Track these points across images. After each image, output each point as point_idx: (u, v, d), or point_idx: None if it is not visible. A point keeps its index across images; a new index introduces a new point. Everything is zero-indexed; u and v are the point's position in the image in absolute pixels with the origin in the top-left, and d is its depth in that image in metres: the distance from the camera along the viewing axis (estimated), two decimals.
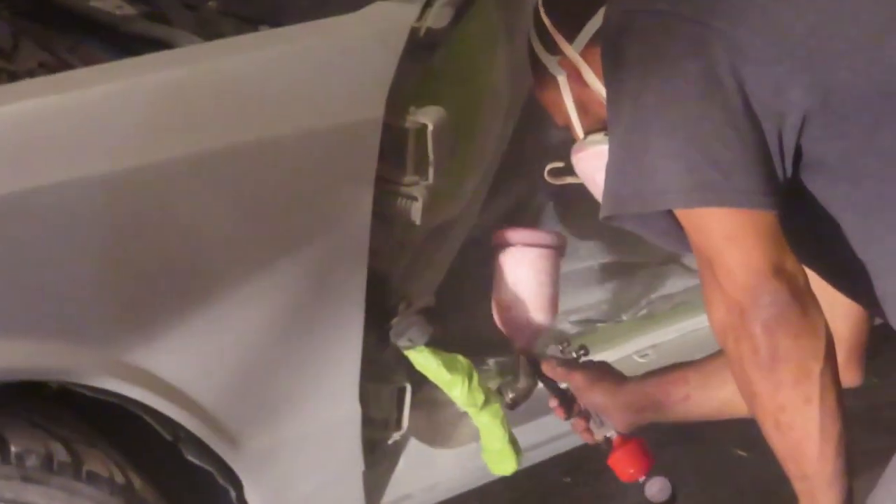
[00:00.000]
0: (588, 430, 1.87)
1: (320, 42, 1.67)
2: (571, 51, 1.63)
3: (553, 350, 1.91)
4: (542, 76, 1.70)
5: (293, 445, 1.80)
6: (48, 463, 1.56)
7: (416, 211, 1.74)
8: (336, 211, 1.69)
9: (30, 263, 1.45)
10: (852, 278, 1.48)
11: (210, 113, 1.56)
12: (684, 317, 2.44)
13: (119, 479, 1.63)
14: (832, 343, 1.38)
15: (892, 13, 1.41)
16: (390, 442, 1.99)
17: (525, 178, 2.27)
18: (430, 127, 1.70)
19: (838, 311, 1.60)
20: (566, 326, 2.46)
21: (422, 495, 2.10)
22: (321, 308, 1.73)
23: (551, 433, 2.16)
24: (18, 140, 1.44)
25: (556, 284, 1.92)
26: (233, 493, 1.78)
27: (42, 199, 1.43)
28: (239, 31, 1.82)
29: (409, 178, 1.74)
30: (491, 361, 2.25)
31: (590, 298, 2.49)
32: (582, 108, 1.66)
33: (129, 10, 2.03)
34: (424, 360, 1.86)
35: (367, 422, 1.88)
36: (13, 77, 1.82)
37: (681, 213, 1.41)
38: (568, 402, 1.88)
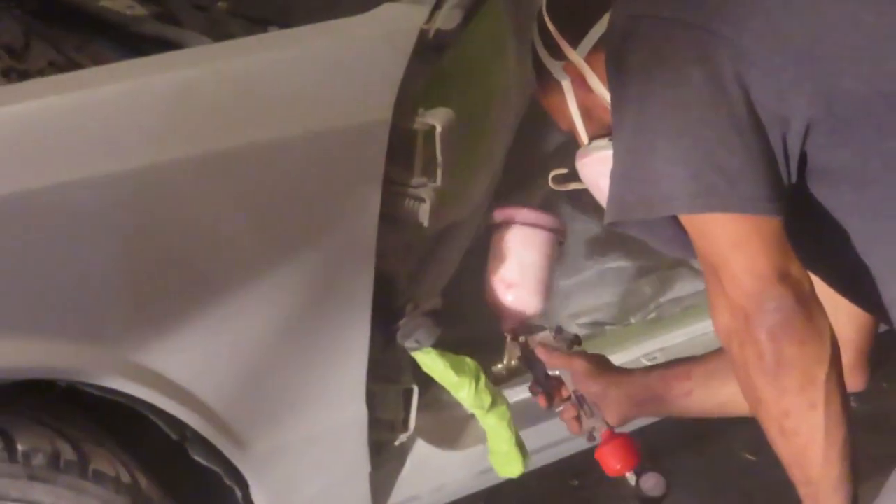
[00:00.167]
0: (577, 418, 1.85)
1: (329, 43, 1.67)
2: (576, 56, 1.63)
3: (546, 336, 1.90)
4: (545, 81, 1.70)
5: (299, 446, 1.80)
6: (55, 461, 1.56)
7: (423, 212, 1.74)
8: (344, 212, 1.69)
9: (38, 263, 1.46)
10: (857, 284, 1.47)
11: (218, 113, 1.56)
12: (693, 320, 2.44)
13: (125, 478, 1.63)
14: (837, 348, 1.37)
15: (895, 20, 1.41)
16: (397, 443, 1.99)
17: (532, 180, 2.27)
18: (439, 128, 1.70)
19: (843, 315, 1.60)
20: (575, 329, 2.46)
21: (428, 497, 2.09)
22: (328, 309, 1.73)
23: (559, 436, 2.16)
24: (29, 139, 1.44)
25: (552, 272, 1.92)
26: (239, 494, 1.78)
27: (49, 199, 1.43)
28: (248, 32, 1.82)
29: (417, 180, 1.74)
30: (499, 365, 2.25)
31: (598, 301, 2.49)
32: (586, 113, 1.66)
33: (140, 11, 2.03)
34: (431, 362, 1.86)
35: (374, 423, 1.88)
36: (24, 76, 1.83)
37: (686, 219, 1.41)
38: (552, 389, 1.87)
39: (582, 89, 1.65)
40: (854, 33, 1.40)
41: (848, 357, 1.58)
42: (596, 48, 1.60)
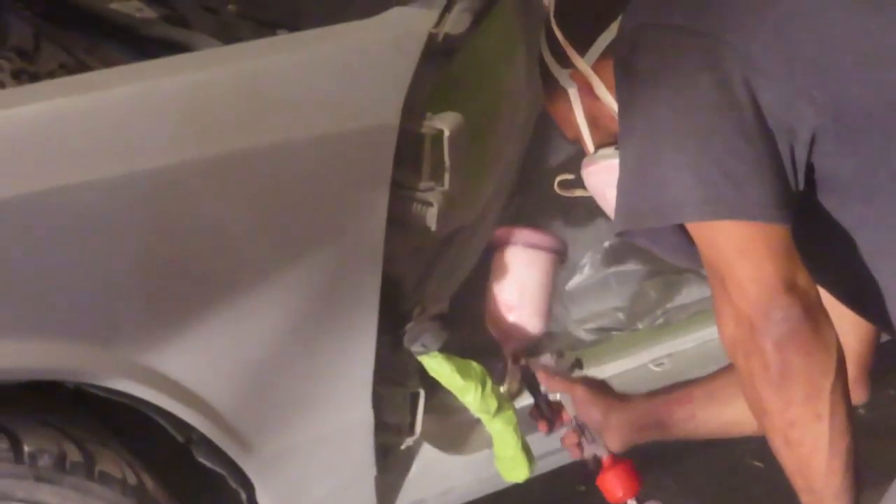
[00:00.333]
0: (578, 445, 1.85)
1: (338, 47, 1.67)
2: (583, 64, 1.62)
3: (547, 360, 1.89)
4: (552, 89, 1.70)
5: (305, 449, 1.80)
6: (61, 463, 1.56)
7: (431, 217, 1.74)
8: (351, 215, 1.69)
9: (45, 264, 1.46)
10: (863, 295, 1.46)
11: (227, 116, 1.56)
12: (701, 326, 2.44)
13: (131, 479, 1.64)
14: (843, 359, 1.36)
15: None
16: (403, 447, 1.99)
17: (540, 185, 2.27)
18: (447, 133, 1.70)
19: (846, 327, 1.59)
20: (581, 334, 2.47)
21: (434, 501, 2.09)
22: (335, 312, 1.73)
23: None
24: (38, 141, 1.44)
25: (552, 294, 1.91)
26: (244, 496, 1.78)
27: (56, 201, 1.43)
28: (257, 35, 1.82)
29: (424, 184, 1.73)
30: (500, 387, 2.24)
31: (605, 306, 2.49)
32: (593, 121, 1.66)
33: (149, 13, 2.03)
34: (438, 366, 1.86)
35: (381, 426, 1.88)
36: (34, 78, 1.84)
37: (693, 227, 1.40)
38: (553, 414, 1.87)
39: (589, 97, 1.64)
40: (862, 42, 1.40)
41: (850, 370, 1.58)
42: (603, 56, 1.60)
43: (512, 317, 1.89)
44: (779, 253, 1.35)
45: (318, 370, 1.76)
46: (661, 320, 2.51)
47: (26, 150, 1.43)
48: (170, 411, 1.63)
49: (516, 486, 2.05)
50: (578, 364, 1.88)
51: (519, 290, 1.87)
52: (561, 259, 1.91)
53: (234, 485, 1.76)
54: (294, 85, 1.62)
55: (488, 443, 1.99)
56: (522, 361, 1.90)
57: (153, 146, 1.50)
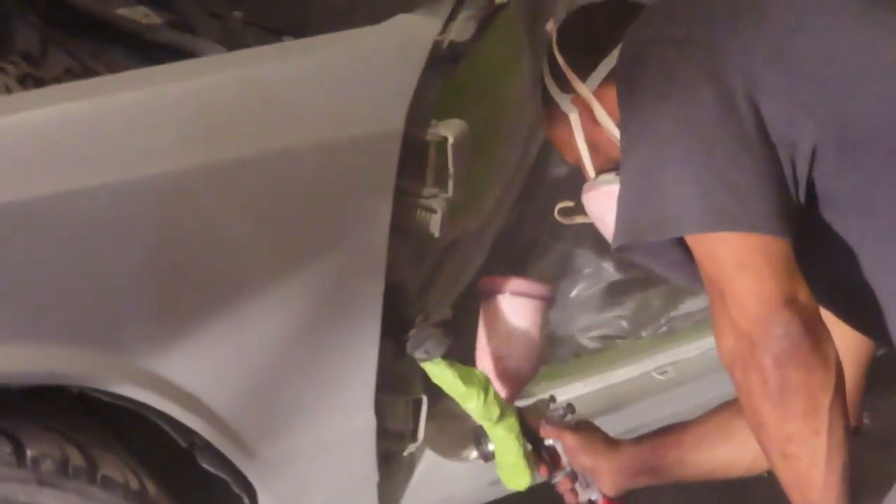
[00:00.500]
0: (573, 490, 1.85)
1: (343, 53, 1.67)
2: (584, 89, 1.63)
3: (540, 404, 1.89)
4: (553, 114, 1.71)
5: (308, 455, 1.80)
6: (63, 467, 1.56)
7: (434, 223, 1.74)
8: (355, 222, 1.69)
9: (49, 268, 1.46)
10: (864, 312, 1.46)
11: (232, 122, 1.56)
12: (704, 334, 2.43)
13: (134, 484, 1.64)
14: (842, 374, 1.35)
15: None
16: (406, 453, 1.99)
17: (544, 193, 2.27)
18: (451, 140, 1.70)
19: (843, 345, 1.58)
20: (585, 342, 2.47)
21: None
22: (338, 318, 1.73)
23: None
24: (44, 145, 1.45)
25: (543, 337, 1.90)
26: (246, 501, 1.78)
27: (60, 205, 1.44)
28: (263, 41, 1.83)
29: (428, 191, 1.74)
30: None
31: (609, 315, 2.49)
32: (593, 146, 1.66)
33: (155, 19, 2.04)
34: (440, 373, 1.86)
35: (383, 433, 1.88)
36: (39, 83, 1.84)
37: (693, 241, 1.39)
38: (551, 458, 1.86)
39: (590, 123, 1.65)
40: (864, 56, 1.40)
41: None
42: (605, 82, 1.61)
43: (500, 365, 1.88)
44: (779, 267, 1.34)
45: (321, 376, 1.76)
46: (664, 329, 2.51)
47: (31, 154, 1.44)
48: (173, 416, 1.63)
49: (518, 494, 2.05)
50: (570, 409, 1.87)
51: (506, 339, 1.86)
52: (549, 304, 1.90)
53: (236, 490, 1.76)
54: (299, 91, 1.62)
55: None
56: (517, 406, 1.90)
57: (158, 152, 1.51)
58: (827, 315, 1.48)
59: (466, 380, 1.86)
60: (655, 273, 2.46)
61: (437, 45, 1.69)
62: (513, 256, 2.31)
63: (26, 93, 1.74)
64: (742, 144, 1.36)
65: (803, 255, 1.38)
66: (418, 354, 1.83)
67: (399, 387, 1.92)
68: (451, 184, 1.74)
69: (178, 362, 1.61)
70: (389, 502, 1.99)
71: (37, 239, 1.44)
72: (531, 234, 2.35)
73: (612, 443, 1.83)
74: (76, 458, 1.58)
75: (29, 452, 1.54)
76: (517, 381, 1.88)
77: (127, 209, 1.49)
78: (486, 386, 1.89)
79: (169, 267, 1.56)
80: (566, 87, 1.67)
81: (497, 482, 2.01)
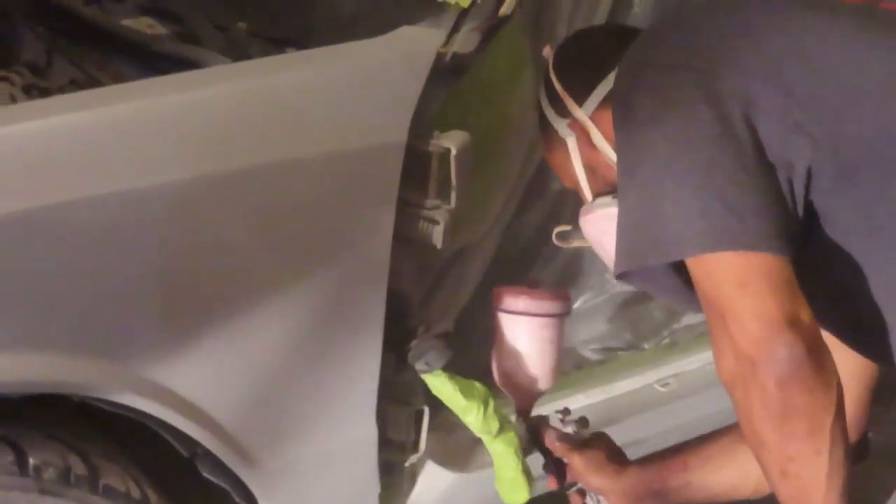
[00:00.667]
0: None
1: (346, 65, 1.68)
2: (581, 113, 1.64)
3: (553, 419, 1.88)
4: (551, 138, 1.71)
5: (309, 465, 1.81)
6: (66, 476, 1.56)
7: (437, 234, 1.74)
8: (358, 232, 1.70)
9: (51, 278, 1.47)
10: (865, 331, 1.45)
11: (235, 133, 1.57)
12: (707, 347, 2.40)
13: (135, 493, 1.64)
14: (842, 393, 1.34)
15: None
16: (407, 464, 1.99)
17: (546, 203, 2.27)
18: (454, 151, 1.71)
19: (845, 365, 1.58)
20: (587, 354, 2.46)
21: None
22: (340, 329, 1.74)
23: None
24: (48, 155, 1.45)
25: (559, 350, 1.86)
26: None
27: (65, 215, 1.44)
28: (267, 52, 1.84)
29: (431, 202, 1.74)
30: None
31: (611, 327, 2.49)
32: (590, 170, 1.67)
33: (160, 30, 2.05)
34: (440, 385, 1.86)
35: (385, 443, 1.88)
36: (44, 93, 1.85)
37: (693, 263, 1.38)
38: (562, 472, 1.86)
39: (587, 147, 1.65)
40: (860, 77, 1.39)
41: (849, 411, 1.58)
42: (601, 106, 1.61)
43: (511, 380, 1.85)
44: (781, 286, 1.33)
45: (323, 386, 1.76)
46: (667, 340, 2.51)
47: (35, 164, 1.44)
48: (175, 426, 1.63)
49: None
50: (584, 423, 1.86)
51: (514, 355, 1.83)
52: (564, 317, 1.86)
53: (237, 499, 1.76)
54: (302, 102, 1.63)
55: (493, 462, 1.99)
56: (531, 419, 1.89)
57: (161, 162, 1.51)
58: (831, 337, 1.48)
59: (466, 393, 1.87)
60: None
61: (440, 56, 1.70)
62: (514, 268, 2.30)
63: (31, 102, 1.75)
64: (741, 165, 1.35)
65: (805, 274, 1.37)
66: (419, 366, 1.83)
67: (401, 397, 1.92)
68: (453, 195, 1.75)
69: (181, 372, 1.61)
70: None
71: (39, 248, 1.45)
72: (532, 245, 2.34)
73: (618, 465, 1.81)
74: (78, 467, 1.58)
75: (31, 461, 1.54)
76: (529, 395, 1.87)
77: (129, 219, 1.49)
78: (485, 399, 1.89)
79: (172, 276, 1.56)
80: (563, 111, 1.67)
81: (499, 494, 2.01)
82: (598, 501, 1.82)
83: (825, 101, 1.38)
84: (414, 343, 1.82)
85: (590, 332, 2.48)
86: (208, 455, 1.68)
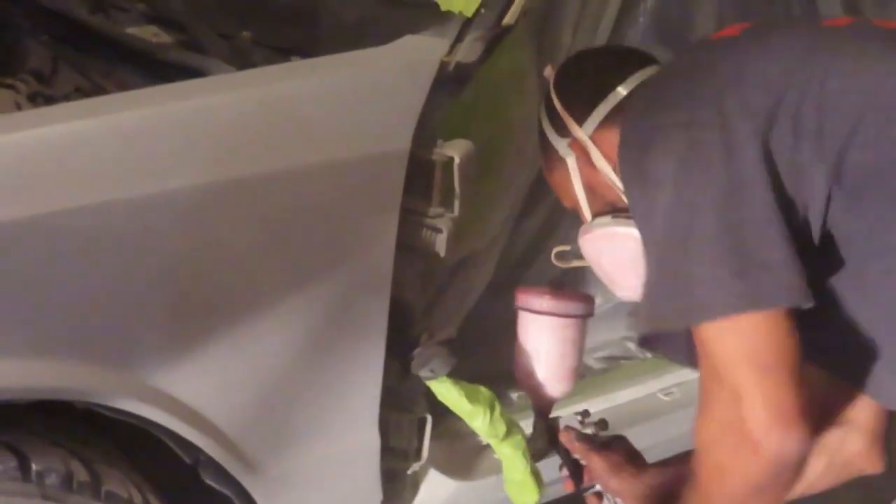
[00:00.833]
0: None
1: (350, 73, 1.69)
2: (581, 133, 1.64)
3: (571, 420, 1.88)
4: (551, 158, 1.72)
5: (311, 473, 1.81)
6: (68, 482, 1.57)
7: (440, 243, 1.75)
8: (361, 241, 1.70)
9: (55, 284, 1.47)
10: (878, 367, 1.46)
11: (238, 141, 1.58)
12: None
13: (138, 499, 1.64)
14: None
15: None
16: (410, 472, 1.99)
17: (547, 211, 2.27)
18: (457, 160, 1.72)
19: (860, 401, 1.59)
20: (591, 363, 2.46)
21: None
22: (343, 336, 1.74)
23: None
24: (52, 162, 1.46)
25: (581, 351, 1.87)
26: None
27: (69, 222, 1.45)
28: (271, 61, 1.84)
29: (434, 210, 1.75)
30: (514, 394, 2.25)
31: (615, 336, 2.49)
32: (590, 190, 1.67)
33: (166, 39, 2.06)
34: (446, 391, 1.86)
35: (387, 451, 1.89)
36: (49, 101, 1.86)
37: (707, 330, 1.39)
38: (579, 474, 1.86)
39: (587, 167, 1.66)
40: (861, 101, 1.39)
41: (866, 440, 1.60)
42: (601, 126, 1.62)
43: (532, 380, 1.86)
44: (794, 370, 1.36)
45: (326, 394, 1.76)
46: None
47: (39, 170, 1.45)
48: (177, 433, 1.63)
49: None
50: (603, 425, 1.86)
51: (535, 355, 1.84)
52: (586, 318, 1.86)
53: None
54: (306, 111, 1.64)
55: (495, 469, 1.99)
56: (549, 419, 1.89)
57: (164, 170, 1.52)
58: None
59: (472, 398, 1.87)
60: None
61: (443, 66, 1.71)
62: (514, 275, 2.30)
63: (36, 110, 1.76)
64: (764, 218, 1.37)
65: (820, 303, 1.38)
66: (423, 373, 1.83)
67: (403, 405, 1.92)
68: (456, 204, 1.75)
69: (184, 379, 1.61)
70: None
71: (43, 255, 1.45)
72: (534, 252, 2.35)
73: (637, 467, 1.81)
74: (81, 473, 1.58)
75: (34, 467, 1.55)
76: (548, 396, 1.87)
77: (132, 226, 1.50)
78: (491, 403, 1.89)
79: (175, 283, 1.57)
80: (563, 130, 1.68)
81: (502, 502, 2.01)
82: (615, 503, 1.82)
83: (830, 132, 1.39)
84: (418, 350, 1.82)
85: (593, 342, 2.47)
86: (211, 462, 1.69)
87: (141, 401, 1.58)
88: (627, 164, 1.50)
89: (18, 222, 1.42)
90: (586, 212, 1.69)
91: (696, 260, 1.38)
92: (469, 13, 1.74)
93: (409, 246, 1.75)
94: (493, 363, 2.12)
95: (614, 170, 1.57)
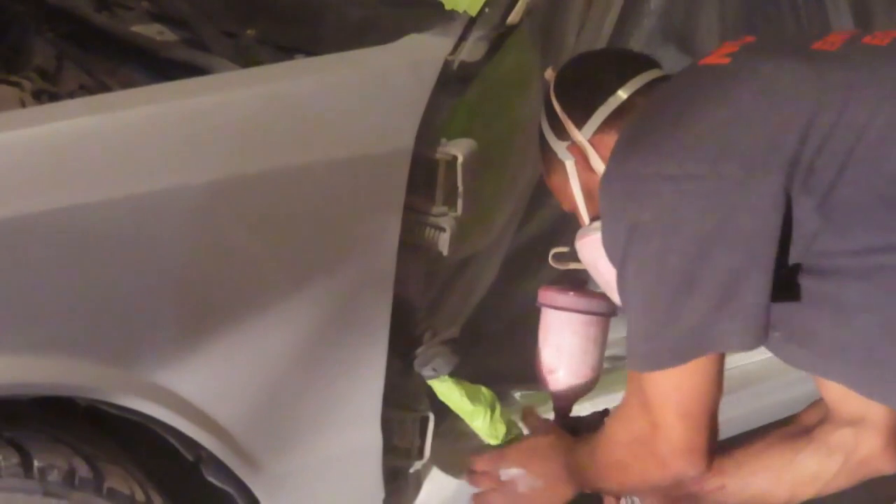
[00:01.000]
0: None
1: (354, 72, 1.69)
2: (580, 137, 1.64)
3: (592, 418, 1.88)
4: (550, 161, 1.72)
5: (314, 470, 1.81)
6: (70, 478, 1.57)
7: (443, 242, 1.75)
8: (364, 239, 1.70)
9: (58, 281, 1.47)
10: (882, 377, 1.46)
11: (242, 139, 1.58)
12: None
13: (140, 496, 1.64)
14: None
15: (890, 121, 1.39)
16: (412, 471, 1.99)
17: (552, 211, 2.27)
18: (460, 159, 1.72)
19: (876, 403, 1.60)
20: None
21: None
22: (346, 335, 1.74)
23: None
24: (57, 159, 1.46)
25: (602, 350, 1.87)
26: None
27: (72, 220, 1.45)
28: (275, 59, 1.85)
29: (437, 209, 1.75)
30: (517, 395, 2.25)
31: (619, 335, 2.48)
32: (588, 194, 1.67)
33: (170, 37, 2.06)
34: (447, 390, 1.86)
35: (390, 450, 1.89)
36: (54, 98, 1.86)
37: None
38: None
39: (586, 170, 1.66)
40: (850, 137, 1.39)
41: (881, 440, 1.61)
42: (601, 130, 1.63)
43: (552, 378, 1.86)
44: (714, 418, 1.53)
45: (328, 392, 1.77)
46: None
47: (43, 168, 1.45)
48: (180, 430, 1.64)
49: None
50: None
51: (555, 353, 1.84)
52: (610, 316, 1.87)
53: None
54: (310, 109, 1.64)
55: None
56: (570, 417, 1.89)
57: (168, 167, 1.52)
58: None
59: (473, 398, 1.87)
60: None
61: (447, 64, 1.71)
62: (518, 274, 2.30)
63: (41, 107, 1.76)
64: (759, 267, 1.40)
65: (824, 327, 1.44)
66: (426, 372, 1.83)
67: (406, 404, 1.92)
68: (460, 203, 1.75)
69: (186, 376, 1.61)
70: None
71: (47, 252, 1.46)
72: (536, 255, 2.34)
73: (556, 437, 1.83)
74: (83, 470, 1.58)
75: (36, 463, 1.55)
76: (569, 394, 1.87)
77: (137, 224, 1.50)
78: (492, 404, 1.89)
79: (179, 281, 1.57)
80: (563, 134, 1.68)
81: None
82: (633, 502, 1.82)
83: (823, 168, 1.39)
84: (420, 349, 1.82)
85: None
86: (213, 459, 1.69)
87: (144, 398, 1.58)
88: (610, 205, 1.52)
89: (23, 219, 1.42)
90: (584, 215, 1.69)
91: (691, 307, 1.45)
92: (473, 12, 1.74)
93: (413, 245, 1.75)
94: (495, 363, 2.12)
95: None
